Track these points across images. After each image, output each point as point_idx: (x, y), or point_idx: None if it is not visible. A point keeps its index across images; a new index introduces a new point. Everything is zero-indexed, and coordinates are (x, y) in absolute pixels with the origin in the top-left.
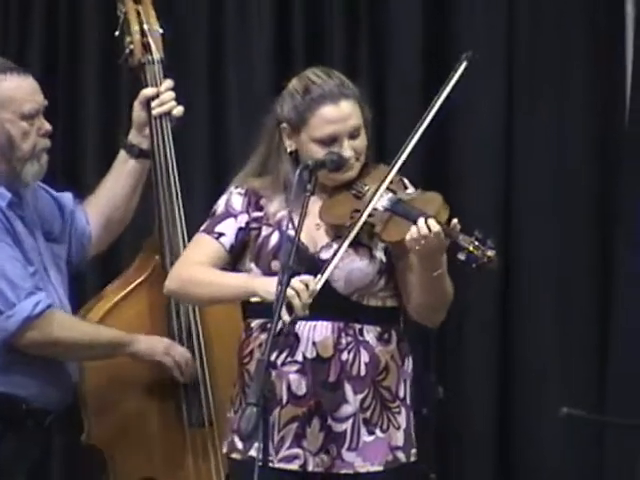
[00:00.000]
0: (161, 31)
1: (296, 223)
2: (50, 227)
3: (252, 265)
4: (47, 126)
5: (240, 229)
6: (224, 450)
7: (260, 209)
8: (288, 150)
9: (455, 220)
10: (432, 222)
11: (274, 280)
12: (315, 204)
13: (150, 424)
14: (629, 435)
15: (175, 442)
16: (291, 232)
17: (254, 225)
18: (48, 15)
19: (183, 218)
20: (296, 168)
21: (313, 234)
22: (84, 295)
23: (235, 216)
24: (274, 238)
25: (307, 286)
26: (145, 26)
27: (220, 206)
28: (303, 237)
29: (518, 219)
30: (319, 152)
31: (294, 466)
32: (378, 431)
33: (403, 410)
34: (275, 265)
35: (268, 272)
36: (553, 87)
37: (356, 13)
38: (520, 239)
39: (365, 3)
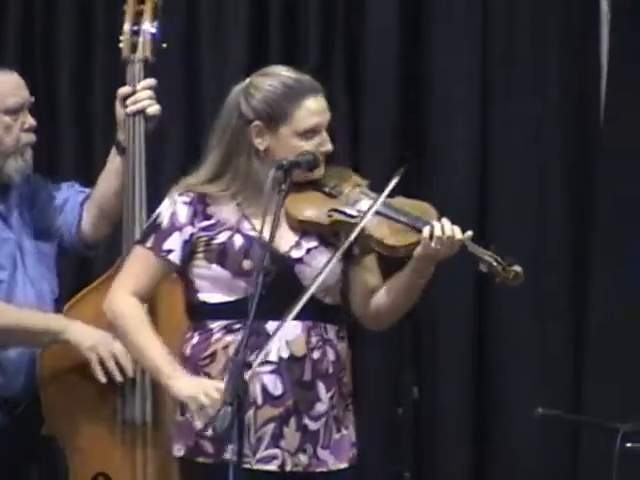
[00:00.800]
0: (153, 31)
1: (259, 223)
2: (43, 218)
3: (215, 266)
4: (31, 121)
5: (185, 242)
6: (180, 453)
7: (208, 217)
8: (262, 148)
9: (470, 232)
10: (457, 228)
11: (192, 385)
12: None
13: (102, 418)
14: (604, 436)
15: (121, 438)
16: (254, 233)
17: (201, 234)
18: (23, 16)
19: (145, 218)
20: (263, 167)
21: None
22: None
23: (180, 229)
24: (238, 239)
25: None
26: (142, 26)
27: (165, 218)
28: (266, 237)
29: (494, 218)
30: (299, 146)
31: (272, 467)
32: (343, 428)
33: (352, 407)
34: (247, 264)
35: (239, 272)
36: (529, 84)
37: (333, 12)
38: (496, 239)
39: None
